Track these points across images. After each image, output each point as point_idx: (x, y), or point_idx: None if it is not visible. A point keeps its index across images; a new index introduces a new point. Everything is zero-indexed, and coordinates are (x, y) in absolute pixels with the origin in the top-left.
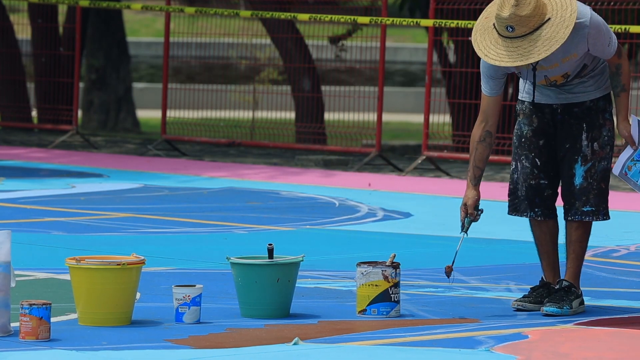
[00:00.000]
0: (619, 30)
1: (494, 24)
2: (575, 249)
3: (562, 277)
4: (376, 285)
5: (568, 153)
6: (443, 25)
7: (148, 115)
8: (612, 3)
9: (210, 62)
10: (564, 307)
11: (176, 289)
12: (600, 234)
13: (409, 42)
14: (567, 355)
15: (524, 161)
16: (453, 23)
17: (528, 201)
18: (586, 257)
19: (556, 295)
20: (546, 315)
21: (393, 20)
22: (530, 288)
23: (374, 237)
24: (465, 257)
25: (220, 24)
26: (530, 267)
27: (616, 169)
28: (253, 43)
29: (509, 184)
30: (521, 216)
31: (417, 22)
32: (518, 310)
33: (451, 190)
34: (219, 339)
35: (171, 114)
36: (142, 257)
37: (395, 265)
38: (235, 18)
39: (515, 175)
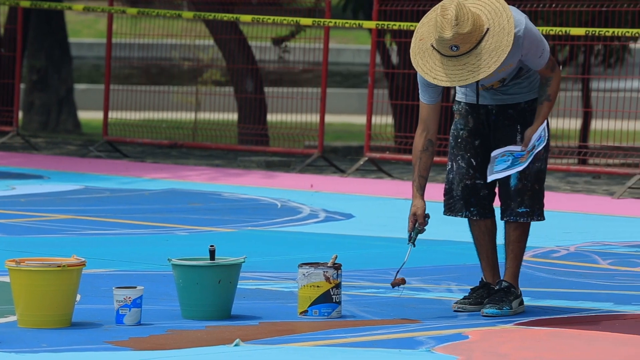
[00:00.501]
0: (560, 33)
1: (432, 45)
2: (513, 249)
3: (501, 278)
4: (318, 287)
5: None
6: (386, 27)
7: (89, 116)
8: (553, 5)
9: (152, 63)
10: (504, 308)
11: (117, 290)
12: (540, 234)
13: (352, 43)
14: (506, 355)
15: (459, 161)
16: (396, 25)
17: (464, 201)
18: (526, 257)
19: (495, 296)
20: (486, 316)
21: (336, 22)
22: (471, 289)
23: (316, 239)
24: (406, 258)
25: (163, 25)
26: (470, 268)
27: (489, 174)
28: (196, 44)
29: (445, 184)
30: (456, 216)
31: (360, 24)
32: (458, 311)
33: (393, 192)
34: (160, 340)
35: (113, 115)
36: (83, 259)
37: (336, 267)
38: (178, 19)
39: (451, 176)
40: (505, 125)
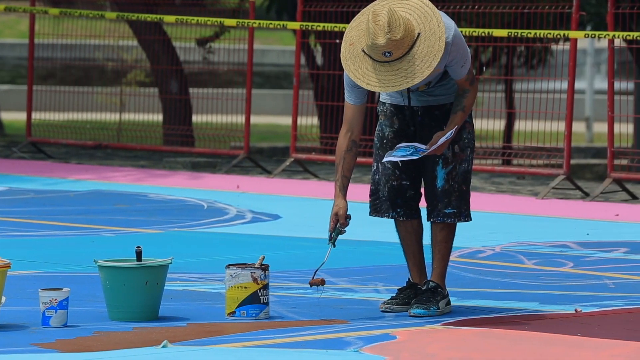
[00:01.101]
0: (483, 34)
1: (363, 50)
2: (440, 250)
3: (428, 278)
4: (245, 288)
5: (429, 155)
6: (310, 28)
7: (12, 117)
8: (475, 7)
9: (76, 64)
10: (431, 308)
11: (42, 292)
12: (466, 235)
13: (277, 44)
14: (434, 355)
15: (387, 163)
16: (320, 26)
17: (390, 202)
18: (452, 257)
19: (422, 296)
20: (413, 316)
21: (260, 23)
22: (398, 289)
23: (243, 239)
24: (334, 259)
25: (86, 26)
26: (397, 268)
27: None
28: (120, 45)
29: (370, 185)
30: (382, 217)
31: (284, 24)
32: (385, 312)
33: (319, 192)
34: (87, 342)
35: (36, 116)
36: (8, 261)
37: (264, 267)
38: (102, 20)
39: (377, 176)
40: (432, 127)
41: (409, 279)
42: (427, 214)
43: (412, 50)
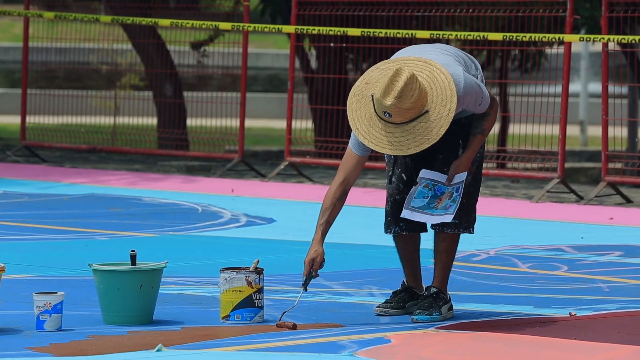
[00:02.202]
0: (478, 38)
1: (372, 95)
2: (441, 260)
3: (429, 284)
4: (240, 291)
5: (434, 165)
6: (305, 31)
7: (6, 121)
8: (470, 10)
9: (70, 67)
10: (434, 314)
11: (37, 296)
12: (461, 238)
13: (271, 47)
14: (429, 358)
15: (391, 176)
16: (315, 30)
17: (392, 217)
18: None
19: (424, 302)
20: (416, 322)
21: (255, 27)
22: (392, 292)
23: (238, 243)
24: (328, 263)
25: (80, 29)
26: (391, 271)
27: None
28: (114, 48)
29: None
30: (388, 233)
31: (279, 28)
32: (380, 315)
33: (314, 196)
34: (81, 346)
35: (30, 119)
36: (2, 265)
37: (258, 271)
38: (96, 23)
39: (388, 193)
40: (447, 141)
41: (403, 281)
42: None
43: (412, 123)
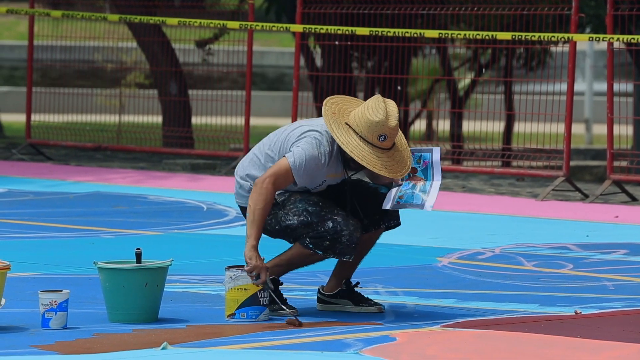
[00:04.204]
0: (486, 37)
1: (347, 124)
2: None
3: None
4: (245, 289)
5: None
6: (312, 30)
7: (11, 119)
8: (475, 9)
9: (75, 66)
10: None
11: (42, 294)
12: (466, 236)
13: (276, 46)
14: (433, 357)
15: (336, 217)
16: (322, 29)
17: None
18: (452, 259)
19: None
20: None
21: (263, 26)
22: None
23: (243, 241)
24: (332, 260)
25: (85, 27)
26: (397, 270)
27: (386, 204)
28: (119, 46)
29: (326, 238)
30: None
31: (287, 27)
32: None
33: None
34: (87, 344)
35: (36, 117)
36: (7, 263)
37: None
38: (101, 22)
39: (338, 227)
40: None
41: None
42: (375, 223)
43: (392, 150)
